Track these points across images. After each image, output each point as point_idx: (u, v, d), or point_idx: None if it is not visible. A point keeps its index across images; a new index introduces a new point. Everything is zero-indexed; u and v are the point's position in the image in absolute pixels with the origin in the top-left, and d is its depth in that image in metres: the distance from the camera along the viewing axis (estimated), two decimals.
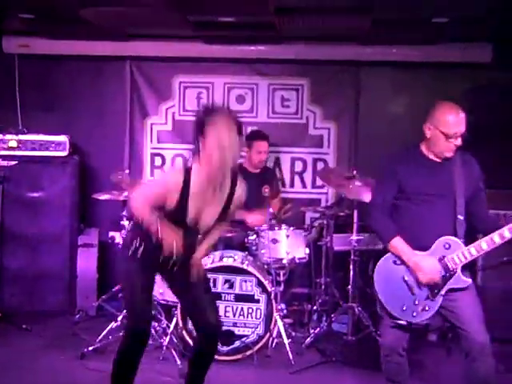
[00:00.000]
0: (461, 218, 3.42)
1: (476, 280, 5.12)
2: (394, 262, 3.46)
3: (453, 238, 3.40)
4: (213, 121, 3.22)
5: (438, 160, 3.49)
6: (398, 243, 3.41)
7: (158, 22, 5.68)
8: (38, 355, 4.74)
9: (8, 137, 5.82)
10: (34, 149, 5.84)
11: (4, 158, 5.66)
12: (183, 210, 3.31)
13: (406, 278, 3.42)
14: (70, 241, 5.79)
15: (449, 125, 3.35)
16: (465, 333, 3.35)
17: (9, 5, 5.19)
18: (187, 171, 3.29)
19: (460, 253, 3.37)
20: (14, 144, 5.80)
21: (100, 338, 4.79)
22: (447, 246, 3.39)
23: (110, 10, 5.13)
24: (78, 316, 5.57)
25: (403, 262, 3.42)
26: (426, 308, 3.39)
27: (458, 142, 3.38)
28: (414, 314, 3.40)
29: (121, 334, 4.86)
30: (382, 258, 3.51)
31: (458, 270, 3.38)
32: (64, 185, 5.83)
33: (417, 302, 3.40)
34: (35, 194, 5.79)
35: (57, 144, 5.86)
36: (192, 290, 3.54)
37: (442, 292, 3.38)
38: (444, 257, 3.38)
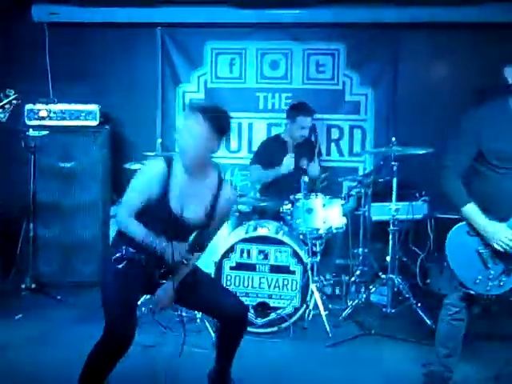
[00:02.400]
0: None
1: None
2: (468, 233, 3.26)
3: None
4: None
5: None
6: (471, 210, 3.19)
7: None
8: (72, 326, 4.71)
9: (38, 106, 5.76)
10: (64, 118, 5.78)
11: (35, 128, 5.58)
12: (165, 203, 3.18)
13: (481, 251, 3.23)
14: (102, 211, 5.74)
15: None
16: None
17: None
18: (168, 161, 3.21)
19: None
20: (44, 114, 5.74)
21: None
22: None
23: None
24: None
25: (477, 233, 3.22)
26: (501, 283, 3.22)
27: None
28: (488, 289, 3.23)
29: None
30: (456, 226, 3.30)
31: None
32: (95, 155, 5.77)
33: (491, 277, 3.22)
34: (67, 164, 5.73)
35: (87, 113, 5.79)
36: (194, 292, 3.36)
37: None
38: None
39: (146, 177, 3.22)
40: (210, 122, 3.09)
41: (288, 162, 5.37)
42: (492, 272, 3.21)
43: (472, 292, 3.25)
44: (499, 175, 3.19)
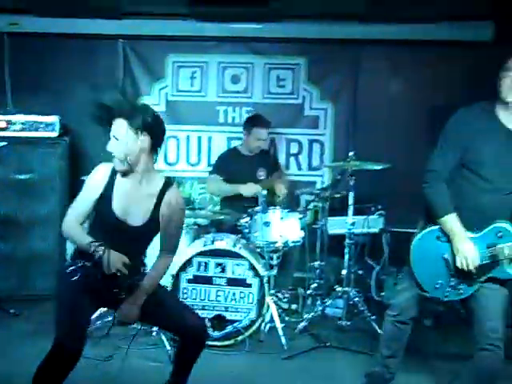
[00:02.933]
0: None
1: None
2: (437, 238, 3.24)
3: (508, 226, 3.15)
4: None
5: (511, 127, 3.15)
6: (452, 221, 3.15)
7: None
8: (26, 340, 4.65)
9: None
10: (23, 129, 5.71)
11: None
12: (108, 207, 3.18)
13: (447, 257, 3.21)
14: (60, 224, 5.61)
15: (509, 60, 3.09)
16: (481, 323, 3.19)
17: None
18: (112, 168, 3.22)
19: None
20: (2, 124, 5.67)
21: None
22: (500, 234, 3.14)
23: None
24: None
25: (447, 240, 3.20)
26: (460, 291, 3.21)
27: None
28: (446, 294, 3.22)
29: (109, 318, 4.85)
30: (426, 230, 3.27)
31: (505, 262, 3.15)
32: (54, 166, 5.71)
33: (452, 284, 3.21)
34: (24, 176, 5.67)
35: (47, 125, 5.73)
36: (155, 308, 3.32)
37: (482, 279, 3.18)
38: (494, 245, 3.15)
39: (91, 180, 3.23)
40: (128, 119, 3.11)
41: (251, 188, 5.37)
42: (454, 280, 3.21)
43: (427, 295, 3.26)
44: (477, 181, 3.16)
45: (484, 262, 3.16)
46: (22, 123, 5.73)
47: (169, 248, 3.42)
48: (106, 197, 3.19)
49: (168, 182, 3.32)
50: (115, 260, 3.08)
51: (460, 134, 3.16)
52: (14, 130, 5.70)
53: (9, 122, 5.70)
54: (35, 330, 4.85)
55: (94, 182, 3.22)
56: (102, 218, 3.22)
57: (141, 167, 3.22)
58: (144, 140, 3.15)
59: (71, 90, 6.31)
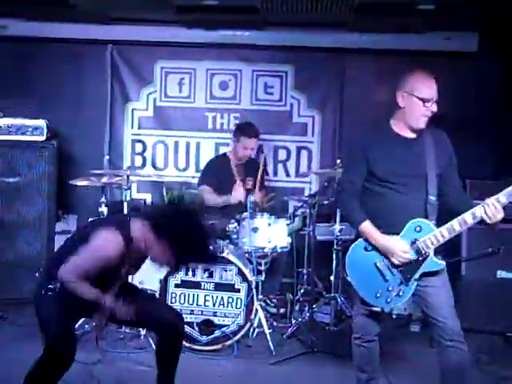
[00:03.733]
0: (432, 198, 3.31)
1: (460, 271, 5.08)
2: (365, 249, 3.35)
3: (424, 220, 3.28)
4: None
5: (408, 136, 3.34)
6: (367, 227, 3.29)
7: (141, 5, 5.56)
8: (12, 344, 4.63)
9: None
10: (10, 133, 5.69)
11: None
12: (118, 273, 3.24)
13: (378, 264, 3.31)
14: (47, 228, 5.66)
15: (425, 89, 3.24)
16: (435, 320, 3.27)
17: None
18: (126, 233, 3.15)
19: (432, 235, 3.24)
20: None
21: (76, 326, 4.67)
22: (418, 228, 3.27)
23: None
24: None
25: (374, 248, 3.31)
26: (400, 293, 3.28)
27: (434, 108, 3.26)
28: (389, 300, 3.29)
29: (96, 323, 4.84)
30: (353, 245, 3.40)
31: (431, 253, 3.25)
32: (41, 170, 5.68)
33: (390, 288, 3.29)
34: (11, 180, 5.63)
35: (34, 128, 5.71)
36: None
37: (416, 276, 3.27)
38: (416, 240, 3.26)
39: (104, 254, 3.09)
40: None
41: (238, 194, 5.40)
42: (390, 284, 3.29)
43: (375, 308, 3.33)
44: (387, 189, 3.31)
45: (412, 259, 3.26)
46: (9, 127, 5.71)
47: None
48: (118, 266, 3.20)
49: None
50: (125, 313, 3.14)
51: (363, 154, 3.33)
52: (1, 134, 5.67)
53: None
54: (21, 334, 4.81)
55: (107, 257, 3.10)
56: (106, 277, 3.19)
57: None
58: None
59: (59, 94, 6.32)
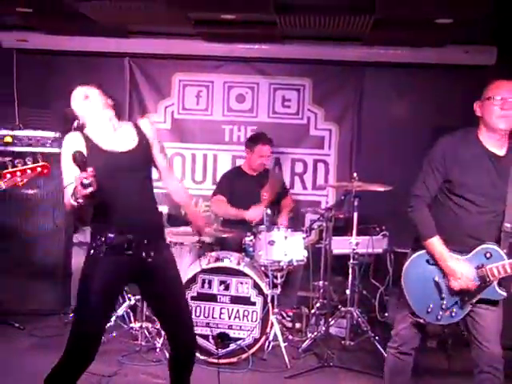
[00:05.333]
0: (508, 225, 3.16)
1: None
2: (428, 261, 3.25)
3: (496, 247, 3.16)
4: None
5: (497, 153, 3.18)
6: (435, 243, 3.18)
7: (159, 19, 5.61)
8: (30, 355, 4.65)
9: (3, 132, 5.72)
10: (29, 145, 5.74)
11: None
12: (99, 158, 3.15)
13: (437, 280, 3.22)
14: (65, 239, 5.69)
15: (500, 89, 3.12)
16: (478, 343, 3.20)
17: None
18: (80, 129, 3.30)
19: (501, 265, 3.13)
20: (9, 140, 5.70)
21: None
22: (488, 255, 3.15)
23: (110, 5, 5.07)
24: (71, 316, 5.46)
25: (437, 263, 3.22)
26: (453, 314, 3.22)
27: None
28: (439, 318, 3.22)
29: (114, 334, 4.87)
30: (416, 255, 3.29)
31: (495, 282, 3.16)
32: (59, 182, 5.69)
33: (444, 307, 3.21)
34: (30, 191, 5.68)
35: (53, 140, 5.77)
36: (170, 299, 3.32)
37: (473, 301, 3.19)
38: (483, 265, 3.15)
39: (68, 152, 3.12)
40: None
41: (256, 212, 5.35)
42: (445, 302, 3.22)
43: (421, 321, 3.27)
44: (462, 205, 3.19)
45: (476, 284, 3.17)
46: (29, 139, 5.76)
47: (171, 168, 3.67)
48: (92, 153, 3.17)
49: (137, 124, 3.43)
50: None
51: (444, 161, 3.20)
52: (21, 146, 5.73)
53: (15, 138, 5.74)
54: (39, 344, 4.86)
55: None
56: (96, 165, 2.98)
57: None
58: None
59: None
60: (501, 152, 3.21)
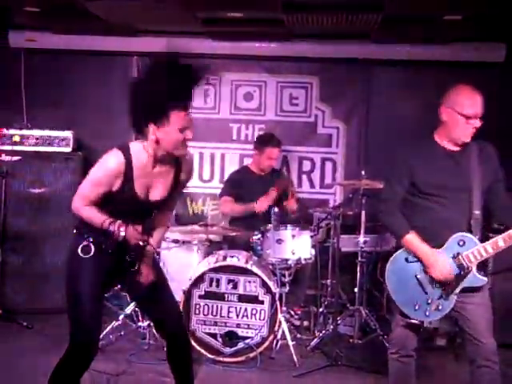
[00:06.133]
0: (477, 212, 3.24)
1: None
2: (406, 260, 3.31)
3: (468, 234, 3.23)
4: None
5: (453, 149, 3.30)
6: (412, 238, 3.25)
7: (166, 18, 5.61)
8: (38, 354, 4.65)
9: (12, 132, 5.76)
10: (37, 144, 5.78)
11: (7, 153, 5.59)
12: (130, 190, 3.08)
13: (419, 276, 3.27)
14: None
15: (468, 105, 3.18)
16: (471, 338, 3.23)
17: None
18: (126, 151, 3.06)
19: (475, 250, 3.20)
20: (17, 139, 5.74)
21: (101, 336, 4.68)
22: (461, 242, 3.23)
23: (118, 4, 5.07)
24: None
25: (417, 259, 3.27)
26: (440, 307, 3.24)
27: (478, 123, 3.19)
28: (427, 314, 3.25)
29: (122, 333, 4.87)
30: (394, 255, 3.36)
31: (473, 268, 3.21)
32: (68, 181, 5.74)
33: (430, 301, 3.25)
34: (38, 190, 5.71)
35: (61, 139, 5.80)
36: (155, 292, 3.33)
37: (456, 291, 3.22)
38: (458, 254, 3.22)
39: (105, 172, 3.05)
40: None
41: (263, 204, 5.38)
42: (430, 297, 3.26)
43: (414, 321, 3.29)
44: (430, 202, 3.27)
45: (454, 273, 3.22)
46: (37, 138, 5.80)
47: (172, 207, 3.49)
48: (125, 184, 3.06)
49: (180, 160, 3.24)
50: (134, 234, 3.04)
51: (407, 166, 3.30)
52: (29, 145, 5.76)
53: (23, 137, 5.77)
54: (47, 343, 4.85)
55: (109, 174, 3.04)
56: (120, 198, 3.09)
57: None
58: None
59: (86, 106, 6.38)
60: (456, 148, 3.31)
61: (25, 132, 5.79)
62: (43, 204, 5.72)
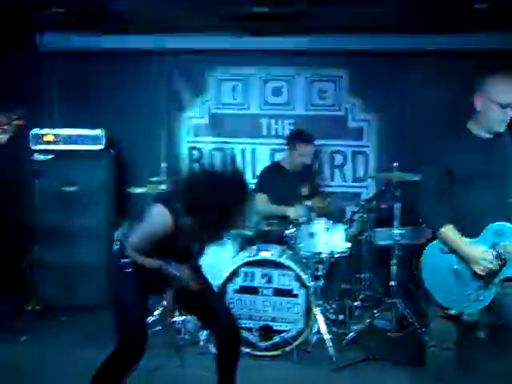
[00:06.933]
0: None
1: None
2: (441, 251, 3.26)
3: (505, 223, 3.16)
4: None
5: (487, 136, 3.26)
6: (448, 231, 3.20)
7: (193, 14, 5.61)
8: (73, 349, 4.69)
9: (44, 131, 5.82)
10: (70, 143, 5.83)
11: (40, 152, 5.64)
12: (174, 246, 3.26)
13: (456, 267, 3.21)
14: (106, 235, 5.71)
15: (503, 94, 3.13)
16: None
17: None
18: (174, 211, 3.21)
19: None
20: (50, 138, 5.80)
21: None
22: (499, 232, 3.16)
23: (147, 2, 5.10)
24: None
25: (452, 251, 3.21)
26: (481, 298, 3.18)
27: None
28: (465, 305, 3.21)
29: (157, 328, 4.87)
30: (428, 247, 3.32)
31: None
32: (99, 179, 5.79)
33: (468, 292, 3.19)
34: (71, 189, 5.74)
35: (93, 138, 5.84)
36: (198, 297, 3.44)
37: (496, 281, 3.16)
38: (496, 244, 3.15)
39: (153, 228, 3.24)
40: None
41: (299, 211, 5.30)
42: (468, 288, 3.20)
43: (452, 312, 3.24)
44: (465, 190, 3.23)
45: (493, 264, 3.16)
46: (69, 137, 5.85)
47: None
48: (172, 238, 3.24)
49: None
50: (189, 278, 3.30)
51: (437, 152, 3.35)
52: (61, 144, 5.81)
53: (56, 136, 5.83)
54: (84, 338, 4.92)
55: (156, 230, 3.23)
56: (165, 247, 3.27)
57: None
58: None
59: (117, 104, 6.38)
60: (489, 136, 3.28)
61: (57, 131, 5.84)
62: (76, 202, 5.75)
